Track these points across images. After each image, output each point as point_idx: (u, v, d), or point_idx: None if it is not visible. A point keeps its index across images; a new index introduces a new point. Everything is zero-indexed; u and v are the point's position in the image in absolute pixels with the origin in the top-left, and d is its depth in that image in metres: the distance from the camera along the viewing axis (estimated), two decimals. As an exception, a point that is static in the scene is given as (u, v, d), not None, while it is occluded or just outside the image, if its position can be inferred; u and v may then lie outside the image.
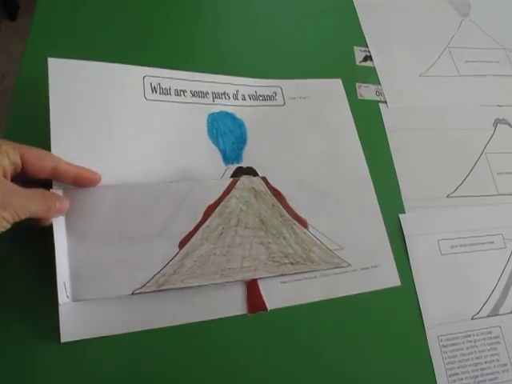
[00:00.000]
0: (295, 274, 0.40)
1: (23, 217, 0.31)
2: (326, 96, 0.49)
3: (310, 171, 0.44)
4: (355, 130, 0.48)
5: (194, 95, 0.43)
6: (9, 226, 0.31)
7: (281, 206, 0.42)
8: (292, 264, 0.40)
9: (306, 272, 0.40)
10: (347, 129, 0.48)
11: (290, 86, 0.48)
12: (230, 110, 0.45)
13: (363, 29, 0.55)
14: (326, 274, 0.41)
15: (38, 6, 0.46)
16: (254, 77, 0.47)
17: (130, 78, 0.41)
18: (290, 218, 0.42)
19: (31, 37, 0.44)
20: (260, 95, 0.47)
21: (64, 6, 0.47)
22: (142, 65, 0.42)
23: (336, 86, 0.50)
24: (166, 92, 0.42)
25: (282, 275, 0.40)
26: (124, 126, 0.39)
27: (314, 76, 0.50)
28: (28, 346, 0.34)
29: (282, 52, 0.51)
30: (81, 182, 0.36)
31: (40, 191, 0.33)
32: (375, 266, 0.42)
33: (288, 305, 0.39)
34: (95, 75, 0.40)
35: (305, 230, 0.42)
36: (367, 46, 0.54)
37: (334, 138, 0.47)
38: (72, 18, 0.47)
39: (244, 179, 0.42)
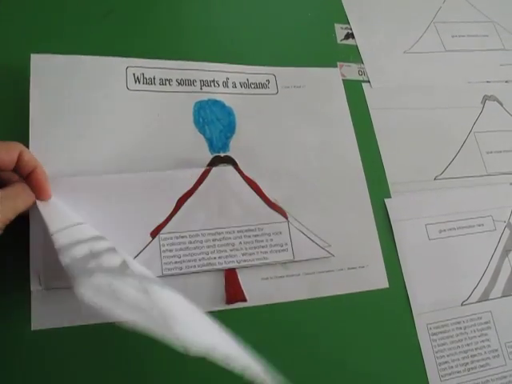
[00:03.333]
0: (276, 263, 0.39)
1: (13, 217, 0.31)
2: (322, 86, 0.47)
3: (300, 163, 0.43)
4: (351, 123, 0.46)
5: (180, 84, 0.42)
6: (1, 231, 0.30)
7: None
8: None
9: (286, 262, 0.39)
10: (342, 121, 0.46)
11: (284, 74, 0.46)
12: (218, 97, 0.43)
13: (344, 5, 0.52)
14: (311, 272, 0.40)
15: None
16: (226, 57, 0.45)
17: (112, 69, 0.40)
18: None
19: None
20: (252, 83, 0.45)
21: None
22: (121, 53, 0.41)
23: (333, 75, 0.48)
24: (150, 82, 0.41)
25: (262, 264, 0.38)
26: (105, 118, 0.39)
27: (293, 57, 0.47)
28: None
29: (258, 32, 0.48)
30: (33, 180, 0.33)
31: (20, 186, 0.32)
32: (363, 267, 0.41)
33: (268, 302, 0.38)
34: (76, 69, 0.39)
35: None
36: (349, 23, 0.51)
37: (328, 131, 0.45)
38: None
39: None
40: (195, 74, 0.43)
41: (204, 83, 0.43)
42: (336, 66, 0.48)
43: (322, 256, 0.40)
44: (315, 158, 0.43)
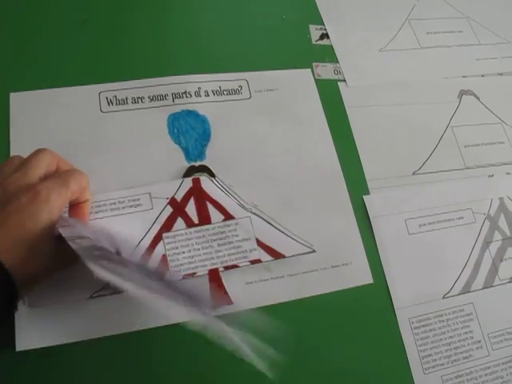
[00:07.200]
0: (257, 262, 0.39)
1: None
2: (295, 87, 0.47)
3: (277, 166, 0.43)
4: (326, 122, 0.46)
5: (152, 99, 0.43)
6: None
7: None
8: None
9: (269, 261, 0.39)
10: (317, 121, 0.46)
11: (256, 79, 0.46)
12: (191, 107, 0.44)
13: (318, 5, 0.53)
14: (294, 273, 0.40)
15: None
16: (201, 66, 0.45)
17: (86, 97, 0.42)
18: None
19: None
20: (224, 90, 0.45)
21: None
22: (94, 79, 0.43)
23: (305, 76, 0.48)
24: (122, 102, 0.43)
25: (246, 266, 0.39)
26: (80, 142, 0.40)
27: (268, 59, 0.48)
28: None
29: (234, 36, 0.49)
30: (80, 209, 0.36)
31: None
32: (346, 264, 0.41)
33: (254, 306, 0.38)
34: (52, 101, 0.41)
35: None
36: (323, 24, 0.52)
37: (304, 131, 0.45)
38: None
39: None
40: (167, 88, 0.44)
41: (176, 96, 0.44)
42: (311, 67, 0.48)
43: (304, 252, 0.40)
44: (292, 159, 0.44)
